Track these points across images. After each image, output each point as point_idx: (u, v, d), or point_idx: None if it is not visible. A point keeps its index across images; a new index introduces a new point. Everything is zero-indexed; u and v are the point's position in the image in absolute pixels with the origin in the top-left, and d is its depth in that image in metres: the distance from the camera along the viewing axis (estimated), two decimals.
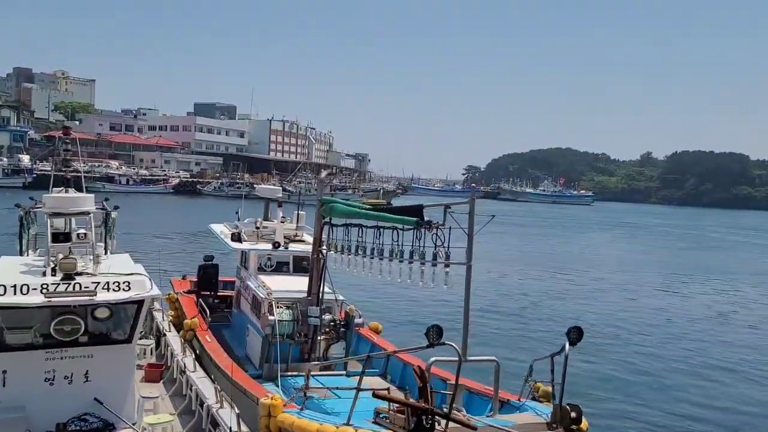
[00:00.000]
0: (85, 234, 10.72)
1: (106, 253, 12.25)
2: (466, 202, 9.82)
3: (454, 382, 9.64)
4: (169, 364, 15.17)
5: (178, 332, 16.61)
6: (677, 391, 21.12)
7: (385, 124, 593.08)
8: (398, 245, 11.52)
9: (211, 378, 13.26)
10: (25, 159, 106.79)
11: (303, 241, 17.95)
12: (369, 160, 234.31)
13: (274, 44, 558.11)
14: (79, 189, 11.49)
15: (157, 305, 18.32)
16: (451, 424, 7.99)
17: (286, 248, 17.51)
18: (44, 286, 9.16)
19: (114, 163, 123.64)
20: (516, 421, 9.52)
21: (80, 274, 9.68)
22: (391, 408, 8.47)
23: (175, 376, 14.25)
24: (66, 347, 9.59)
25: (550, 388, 10.15)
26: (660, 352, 25.89)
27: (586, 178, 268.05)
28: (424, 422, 7.56)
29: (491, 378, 10.92)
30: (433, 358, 9.45)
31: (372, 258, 12.28)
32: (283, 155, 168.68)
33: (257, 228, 18.44)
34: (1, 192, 73.01)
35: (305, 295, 14.90)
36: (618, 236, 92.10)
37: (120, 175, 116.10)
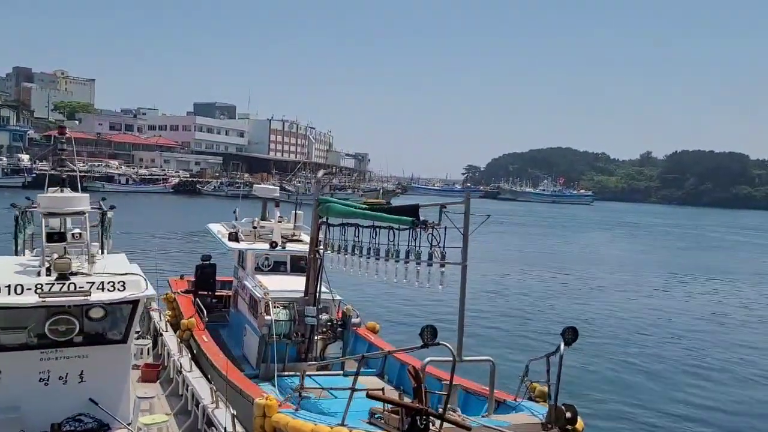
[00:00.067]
0: (80, 234, 10.70)
1: (102, 252, 12.23)
2: (461, 202, 9.81)
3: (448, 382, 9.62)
4: (165, 364, 15.14)
5: (176, 332, 16.58)
6: (675, 392, 21.08)
7: (385, 124, 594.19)
8: (394, 245, 11.50)
9: (207, 378, 13.24)
10: (25, 158, 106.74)
11: (300, 240, 17.92)
12: (369, 160, 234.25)
13: (274, 44, 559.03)
14: (75, 189, 11.47)
15: (154, 305, 18.29)
16: (446, 425, 7.98)
17: (284, 248, 17.48)
18: (38, 286, 9.13)
19: (113, 163, 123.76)
20: (511, 422, 9.52)
21: (75, 274, 9.65)
22: (386, 408, 8.46)
23: (171, 376, 14.21)
24: (61, 347, 9.56)
25: (546, 388, 10.16)
26: (659, 352, 25.86)
27: (585, 178, 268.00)
28: (419, 423, 7.55)
29: (488, 378, 10.90)
30: (428, 359, 9.44)
31: (368, 258, 12.26)
32: (282, 155, 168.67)
33: (254, 228, 18.41)
34: (0, 192, 72.99)
35: (302, 294, 14.88)
36: (618, 236, 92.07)
37: (119, 175, 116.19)
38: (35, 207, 12.01)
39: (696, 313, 35.16)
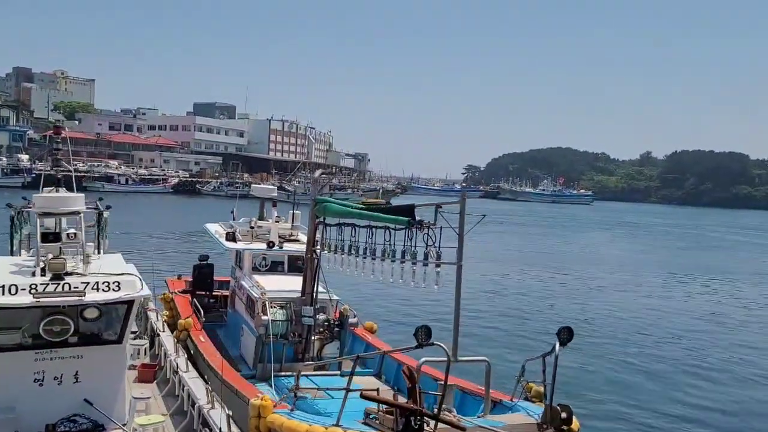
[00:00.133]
0: (75, 234, 10.65)
1: (99, 252, 12.20)
2: (456, 202, 9.79)
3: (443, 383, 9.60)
4: (162, 365, 15.12)
5: (173, 332, 16.56)
6: (674, 392, 21.06)
7: (385, 124, 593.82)
8: (390, 245, 11.49)
9: (204, 378, 13.22)
10: (24, 159, 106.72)
11: (298, 240, 17.90)
12: (369, 160, 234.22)
13: (274, 44, 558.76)
14: (71, 188, 11.44)
15: (152, 305, 18.27)
16: (441, 425, 7.96)
17: (281, 248, 17.46)
18: (33, 287, 9.10)
19: (113, 163, 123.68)
20: (507, 422, 9.50)
21: (70, 274, 9.61)
22: (381, 409, 8.44)
23: (168, 377, 14.19)
24: (55, 348, 9.51)
25: (542, 389, 10.13)
26: (657, 352, 25.84)
27: (585, 178, 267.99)
28: (413, 423, 7.53)
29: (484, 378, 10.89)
30: (423, 359, 9.43)
31: (365, 258, 12.25)
32: (282, 155, 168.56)
33: (252, 227, 18.40)
34: (0, 191, 73.00)
35: (299, 294, 14.86)
36: (617, 236, 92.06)
37: (119, 175, 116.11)
38: (31, 207, 11.99)
39: (695, 313, 35.13)
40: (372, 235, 12.14)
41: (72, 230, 10.83)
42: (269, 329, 14.18)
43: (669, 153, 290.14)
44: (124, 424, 9.83)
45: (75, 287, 9.27)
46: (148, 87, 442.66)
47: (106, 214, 13.32)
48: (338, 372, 14.28)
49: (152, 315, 18.02)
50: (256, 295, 15.21)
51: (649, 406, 19.41)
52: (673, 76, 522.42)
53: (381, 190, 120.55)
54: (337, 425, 9.10)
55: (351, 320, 15.68)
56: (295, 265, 17.24)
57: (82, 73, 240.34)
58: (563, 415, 8.97)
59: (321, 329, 15.06)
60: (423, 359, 9.41)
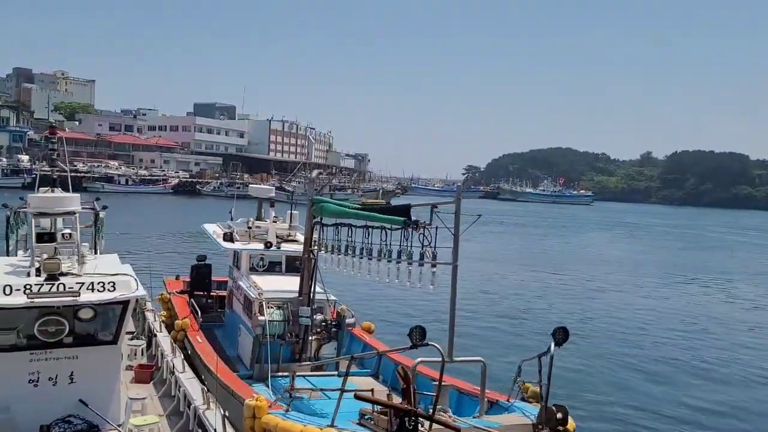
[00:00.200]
0: (70, 234, 10.64)
1: (95, 253, 12.18)
2: (451, 202, 9.78)
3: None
4: (159, 365, 15.10)
5: (170, 332, 16.54)
6: (672, 392, 21.02)
7: (385, 124, 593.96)
8: (386, 245, 11.48)
9: (200, 379, 13.20)
10: (25, 159, 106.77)
11: (296, 240, 17.88)
12: (369, 160, 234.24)
13: (274, 44, 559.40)
14: (66, 189, 11.43)
15: (149, 305, 18.25)
16: (435, 426, 7.94)
17: (279, 248, 17.45)
18: (27, 287, 9.08)
19: (113, 164, 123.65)
20: (502, 422, 9.49)
21: (65, 274, 9.60)
22: (375, 409, 8.42)
23: (165, 377, 14.17)
24: (50, 348, 9.50)
25: (538, 389, 10.12)
26: (656, 353, 25.80)
27: (585, 178, 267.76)
28: (407, 423, 7.51)
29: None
30: (418, 359, 9.42)
31: (361, 258, 12.25)
32: (282, 155, 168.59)
33: (249, 228, 18.39)
34: (0, 192, 72.97)
35: (296, 295, 14.84)
36: (617, 236, 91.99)
37: (119, 176, 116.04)
38: (27, 207, 11.97)
39: (694, 313, 35.10)
40: (368, 235, 12.14)
41: (67, 230, 10.82)
42: (266, 329, 14.16)
43: (669, 153, 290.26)
44: (119, 425, 9.81)
45: (70, 287, 9.26)
46: (148, 87, 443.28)
47: (102, 214, 13.31)
48: (335, 372, 14.25)
49: (150, 315, 18.00)
50: (253, 295, 15.19)
51: (646, 406, 19.38)
52: (673, 76, 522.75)
53: (381, 191, 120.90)
54: (331, 426, 9.09)
55: (348, 320, 15.66)
56: (292, 266, 17.23)
57: (82, 73, 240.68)
58: (559, 415, 8.96)
59: (318, 329, 15.04)
60: (418, 359, 9.40)
